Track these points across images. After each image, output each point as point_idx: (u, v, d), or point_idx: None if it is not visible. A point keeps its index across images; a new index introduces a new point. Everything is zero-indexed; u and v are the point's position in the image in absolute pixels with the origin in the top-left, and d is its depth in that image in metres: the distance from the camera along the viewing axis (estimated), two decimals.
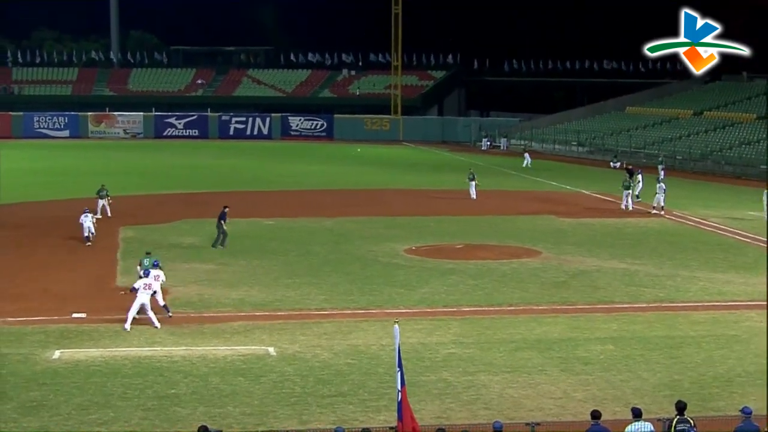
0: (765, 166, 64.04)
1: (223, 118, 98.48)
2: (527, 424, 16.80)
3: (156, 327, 25.58)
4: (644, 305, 29.46)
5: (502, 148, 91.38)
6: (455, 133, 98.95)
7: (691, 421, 15.48)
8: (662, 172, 60.77)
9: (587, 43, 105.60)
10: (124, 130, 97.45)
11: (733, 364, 23.22)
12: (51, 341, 24.61)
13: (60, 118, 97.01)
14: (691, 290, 31.50)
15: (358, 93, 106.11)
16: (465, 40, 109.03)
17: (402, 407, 16.05)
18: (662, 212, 47.83)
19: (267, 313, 27.75)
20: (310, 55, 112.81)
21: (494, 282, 32.18)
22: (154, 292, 26.29)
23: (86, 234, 38.50)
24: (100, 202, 44.29)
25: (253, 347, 24.25)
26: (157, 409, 19.70)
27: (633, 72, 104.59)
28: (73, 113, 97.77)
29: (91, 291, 30.70)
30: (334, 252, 37.44)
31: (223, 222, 37.97)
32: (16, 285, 31.41)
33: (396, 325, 16.96)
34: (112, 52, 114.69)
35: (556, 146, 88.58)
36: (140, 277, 26.80)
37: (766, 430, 15.90)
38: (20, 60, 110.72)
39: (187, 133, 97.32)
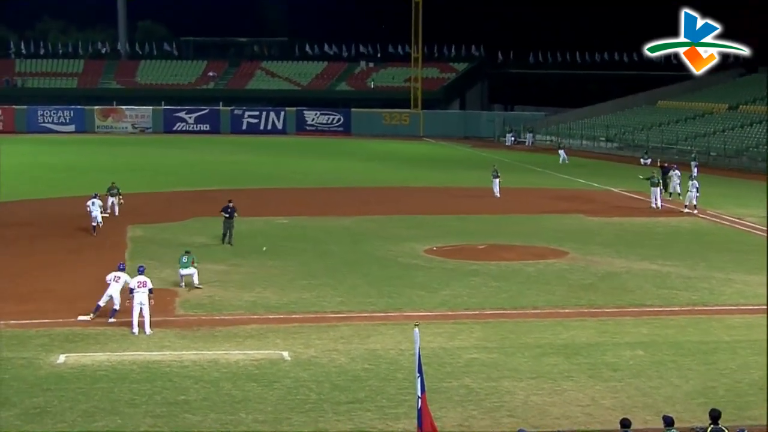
0: None
1: (236, 112, 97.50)
2: None
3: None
4: (676, 309, 29.08)
5: (527, 143, 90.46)
6: (478, 128, 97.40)
7: (726, 431, 15.26)
8: (695, 169, 59.86)
9: (617, 34, 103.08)
10: (132, 124, 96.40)
11: None
12: (56, 345, 24.31)
13: (65, 112, 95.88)
14: (726, 293, 31.06)
15: (372, 86, 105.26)
16: (489, 30, 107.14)
17: (422, 414, 15.88)
18: (695, 211, 47.21)
19: (281, 316, 27.45)
20: (326, 46, 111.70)
21: (518, 284, 31.88)
22: (150, 290, 25.61)
23: (93, 223, 38.12)
24: (110, 200, 44.10)
25: (267, 351, 23.99)
26: (166, 416, 19.53)
27: (665, 64, 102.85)
28: (78, 107, 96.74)
29: (97, 292, 29.97)
30: (351, 252, 37.20)
31: (225, 215, 37.33)
32: (20, 285, 31.05)
33: (416, 329, 16.67)
34: (119, 44, 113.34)
35: (584, 142, 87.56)
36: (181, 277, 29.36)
37: None
38: (24, 51, 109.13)
39: (198, 128, 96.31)
